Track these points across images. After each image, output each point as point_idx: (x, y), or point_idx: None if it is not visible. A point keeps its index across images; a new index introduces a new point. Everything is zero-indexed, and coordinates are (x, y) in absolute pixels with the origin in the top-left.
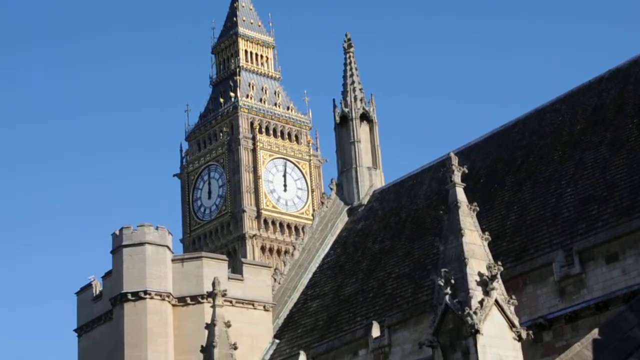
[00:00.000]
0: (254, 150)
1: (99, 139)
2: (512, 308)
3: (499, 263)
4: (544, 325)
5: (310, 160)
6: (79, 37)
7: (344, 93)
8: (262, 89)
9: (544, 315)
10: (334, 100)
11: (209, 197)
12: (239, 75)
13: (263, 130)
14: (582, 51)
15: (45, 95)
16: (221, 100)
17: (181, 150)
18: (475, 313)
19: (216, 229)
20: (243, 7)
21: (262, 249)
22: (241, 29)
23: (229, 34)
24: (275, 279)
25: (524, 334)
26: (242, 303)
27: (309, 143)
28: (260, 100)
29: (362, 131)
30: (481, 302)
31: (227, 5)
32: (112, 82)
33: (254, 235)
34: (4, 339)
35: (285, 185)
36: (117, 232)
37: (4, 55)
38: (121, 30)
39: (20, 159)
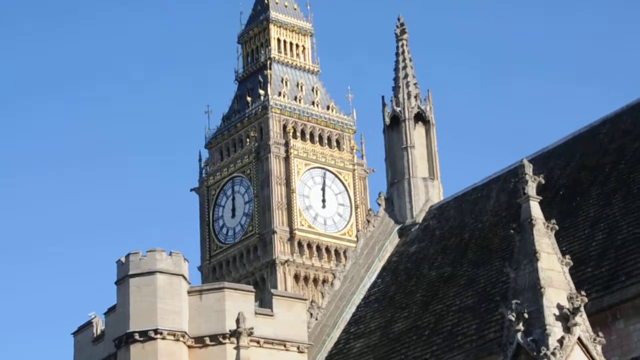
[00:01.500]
0: (286, 159)
1: (101, 145)
2: (599, 348)
3: (583, 293)
4: None
5: (354, 170)
6: (85, 29)
7: (396, 89)
8: (297, 85)
9: (638, 356)
10: (383, 97)
11: (233, 216)
12: (270, 69)
13: (298, 134)
14: None
15: (43, 94)
16: (248, 99)
17: (200, 160)
18: (553, 354)
19: (241, 254)
20: None
21: (296, 277)
22: (273, 14)
23: (258, 20)
24: (311, 314)
25: None
26: (272, 343)
27: (352, 149)
28: (295, 98)
29: (416, 134)
30: (561, 341)
31: None
32: (120, 79)
33: (286, 261)
34: None
35: (323, 201)
36: (123, 259)
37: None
38: (130, 16)
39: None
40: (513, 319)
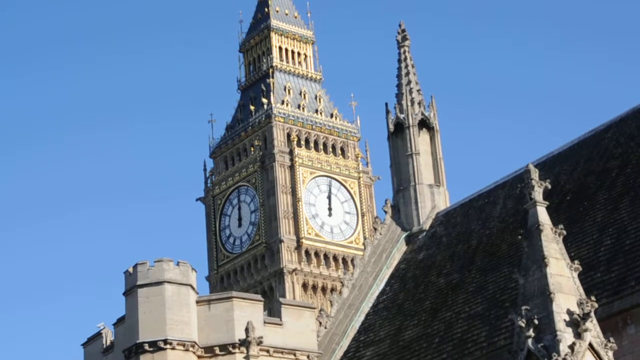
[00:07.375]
0: (291, 167)
1: (108, 158)
2: (610, 353)
3: (593, 298)
4: None
5: (359, 177)
6: (86, 39)
7: (399, 96)
8: (300, 93)
9: None
10: (386, 104)
11: (239, 225)
12: (273, 78)
13: (302, 142)
14: None
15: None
16: (251, 107)
17: (205, 170)
18: None
19: (248, 263)
20: None
21: (304, 286)
22: (274, 22)
23: (259, 28)
24: (320, 323)
25: None
26: (282, 352)
27: (357, 157)
28: (299, 106)
29: (421, 141)
30: (572, 347)
31: None
32: (122, 88)
33: (294, 270)
34: None
35: (330, 209)
36: (131, 270)
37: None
38: (133, 27)
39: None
40: (523, 325)
